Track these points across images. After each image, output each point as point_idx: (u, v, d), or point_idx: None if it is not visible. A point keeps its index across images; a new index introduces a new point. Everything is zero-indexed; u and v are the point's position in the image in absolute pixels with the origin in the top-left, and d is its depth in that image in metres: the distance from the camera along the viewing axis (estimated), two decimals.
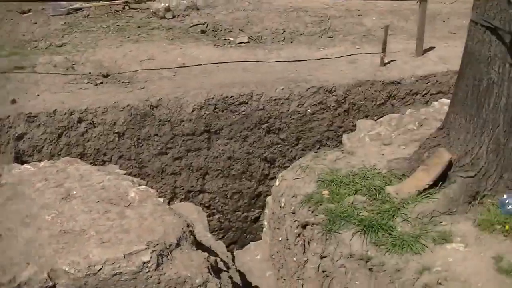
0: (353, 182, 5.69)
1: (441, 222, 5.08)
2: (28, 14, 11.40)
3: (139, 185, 5.14)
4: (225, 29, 11.11)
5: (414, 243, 4.82)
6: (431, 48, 10.43)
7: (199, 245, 4.82)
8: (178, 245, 4.42)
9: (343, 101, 8.93)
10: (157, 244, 4.28)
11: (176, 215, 4.75)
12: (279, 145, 8.86)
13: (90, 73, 8.90)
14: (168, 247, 4.33)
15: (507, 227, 4.88)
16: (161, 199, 4.99)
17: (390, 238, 4.92)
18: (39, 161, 6.03)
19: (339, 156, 6.38)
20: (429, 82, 9.36)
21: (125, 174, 5.55)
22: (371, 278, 4.83)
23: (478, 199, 5.28)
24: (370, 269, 4.83)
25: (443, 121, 5.76)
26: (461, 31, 8.92)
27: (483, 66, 5.06)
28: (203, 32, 10.94)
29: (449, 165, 5.29)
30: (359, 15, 12.04)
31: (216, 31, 11.04)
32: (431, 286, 4.46)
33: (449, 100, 5.90)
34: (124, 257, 4.13)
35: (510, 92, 4.99)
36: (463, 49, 5.43)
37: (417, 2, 10.05)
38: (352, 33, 11.20)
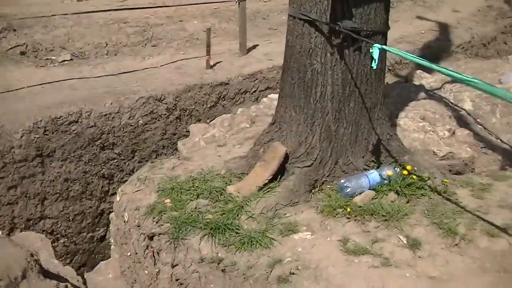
0: (193, 187, 5.65)
1: (285, 214, 5.15)
2: None
3: None
4: (46, 48, 10.76)
5: (262, 238, 4.85)
6: (254, 46, 10.65)
7: (46, 274, 4.59)
8: (24, 277, 4.18)
9: (174, 108, 8.90)
10: (1, 280, 4.04)
11: (18, 246, 4.49)
12: (116, 160, 8.70)
13: None
14: (13, 280, 4.09)
15: (348, 209, 5.04)
16: (0, 232, 4.73)
17: (238, 236, 4.92)
18: None
19: (176, 163, 6.33)
20: (257, 79, 9.54)
21: None
22: (225, 279, 4.82)
23: (318, 186, 5.42)
24: (223, 270, 4.81)
25: (274, 116, 5.85)
26: (282, 26, 9.16)
27: (306, 58, 5.18)
28: (22, 53, 10.53)
29: (286, 157, 5.38)
30: (180, 21, 12.07)
31: (36, 51, 10.66)
32: (284, 277, 4.50)
33: (277, 95, 5.99)
34: None
35: (334, 80, 5.16)
36: (285, 44, 5.54)
37: (236, 2, 10.20)
38: (175, 39, 11.22)
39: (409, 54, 4.79)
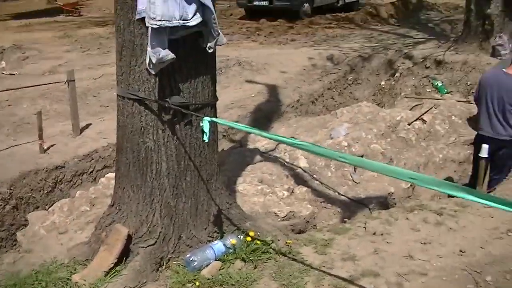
0: (37, 280, 5.38)
1: None
2: None
3: None
4: None
5: None
6: (88, 126, 10.49)
7: None
8: None
9: (9, 197, 8.53)
10: None
11: None
12: None
13: None
14: None
15: (197, 283, 5.02)
16: None
17: None
18: None
19: (16, 257, 6.08)
20: (93, 159, 9.37)
21: None
22: None
23: (165, 264, 5.35)
24: None
25: (113, 197, 5.77)
26: (113, 103, 9.07)
27: (138, 137, 5.18)
28: None
29: (129, 238, 5.30)
30: (9, 105, 11.71)
31: None
32: None
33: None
34: None
35: (168, 156, 5.18)
36: (116, 124, 5.51)
37: (65, 82, 10.06)
38: (4, 125, 10.82)
39: (238, 124, 4.94)
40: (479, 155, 7.69)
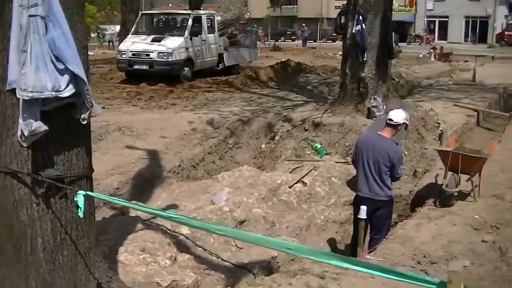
0: None
1: None
2: None
3: None
4: None
5: None
6: None
7: None
8: None
9: None
10: None
11: None
12: None
13: None
14: None
15: None
16: None
17: None
18: None
19: None
20: None
21: None
22: None
23: None
24: None
25: None
26: None
27: (12, 211, 4.96)
28: None
29: None
30: None
31: None
32: None
33: None
34: None
35: (44, 230, 4.97)
36: None
37: None
38: None
39: (114, 198, 4.87)
40: (358, 216, 7.87)
